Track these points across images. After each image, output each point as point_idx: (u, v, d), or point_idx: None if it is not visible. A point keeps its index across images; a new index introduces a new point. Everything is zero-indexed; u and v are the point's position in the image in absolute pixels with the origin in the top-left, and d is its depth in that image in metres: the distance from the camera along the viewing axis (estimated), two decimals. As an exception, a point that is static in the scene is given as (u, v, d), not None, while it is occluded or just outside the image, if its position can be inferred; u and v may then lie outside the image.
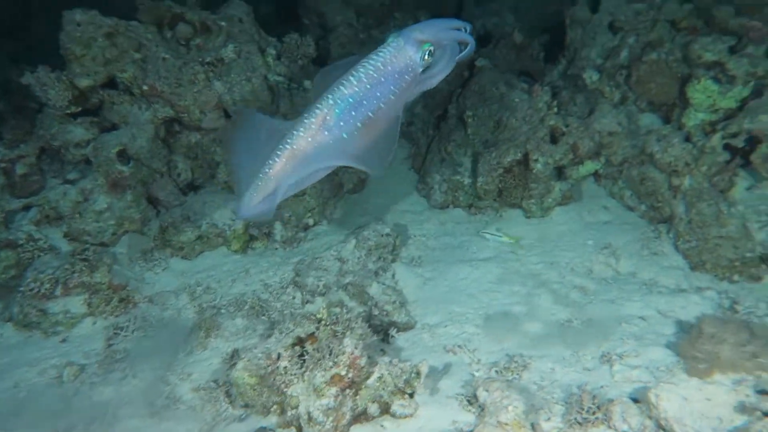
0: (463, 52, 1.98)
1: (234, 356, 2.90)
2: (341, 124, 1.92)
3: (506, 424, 2.21)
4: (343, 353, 2.41)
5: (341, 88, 1.91)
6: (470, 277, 3.54)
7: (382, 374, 2.45)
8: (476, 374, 2.72)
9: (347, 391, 2.39)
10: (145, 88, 3.92)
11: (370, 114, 1.93)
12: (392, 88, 1.92)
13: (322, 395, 2.35)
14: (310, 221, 4.21)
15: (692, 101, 3.63)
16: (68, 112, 3.91)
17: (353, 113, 1.92)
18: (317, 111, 1.93)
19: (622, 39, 4.18)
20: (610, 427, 2.23)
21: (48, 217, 3.85)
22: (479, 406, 2.40)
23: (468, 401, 2.50)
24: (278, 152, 1.97)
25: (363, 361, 2.43)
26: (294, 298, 3.46)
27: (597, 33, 4.37)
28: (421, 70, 1.94)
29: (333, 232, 4.19)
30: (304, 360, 2.46)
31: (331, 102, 1.91)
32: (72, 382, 2.92)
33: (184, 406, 2.71)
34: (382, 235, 3.64)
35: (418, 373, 2.49)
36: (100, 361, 3.06)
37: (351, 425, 2.41)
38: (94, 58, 3.82)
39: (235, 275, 3.73)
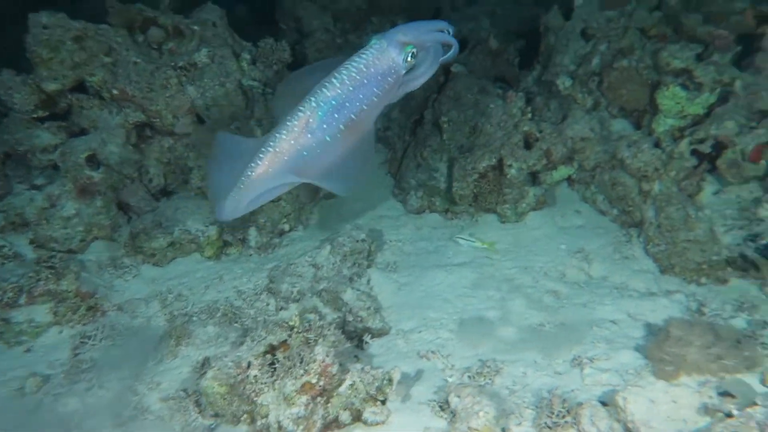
0: (447, 54, 1.98)
1: (205, 365, 2.83)
2: (324, 126, 1.90)
3: (477, 429, 2.22)
4: (315, 361, 2.39)
5: (324, 90, 1.88)
6: (445, 282, 3.54)
7: (354, 381, 2.43)
8: (449, 380, 2.71)
9: (318, 399, 2.36)
10: (115, 92, 3.86)
11: (352, 116, 1.91)
12: (375, 90, 1.90)
13: (293, 404, 2.32)
14: (286, 227, 4.18)
15: (661, 107, 3.70)
16: (35, 116, 3.83)
17: (336, 115, 1.89)
18: (300, 114, 1.90)
19: (594, 46, 4.25)
20: (579, 431, 2.24)
21: (13, 223, 3.76)
22: (451, 412, 2.39)
23: (440, 407, 2.49)
24: (261, 155, 1.94)
25: (334, 369, 2.41)
26: (268, 304, 3.42)
27: (570, 40, 4.42)
28: (404, 72, 1.92)
29: (309, 238, 4.16)
30: (275, 368, 2.43)
31: (314, 104, 1.89)
32: (35, 393, 2.83)
33: (152, 416, 2.65)
34: (357, 241, 3.62)
35: (390, 380, 2.48)
36: (65, 371, 2.97)
37: (322, 433, 2.38)
38: (62, 62, 3.75)
39: (208, 282, 3.67)
